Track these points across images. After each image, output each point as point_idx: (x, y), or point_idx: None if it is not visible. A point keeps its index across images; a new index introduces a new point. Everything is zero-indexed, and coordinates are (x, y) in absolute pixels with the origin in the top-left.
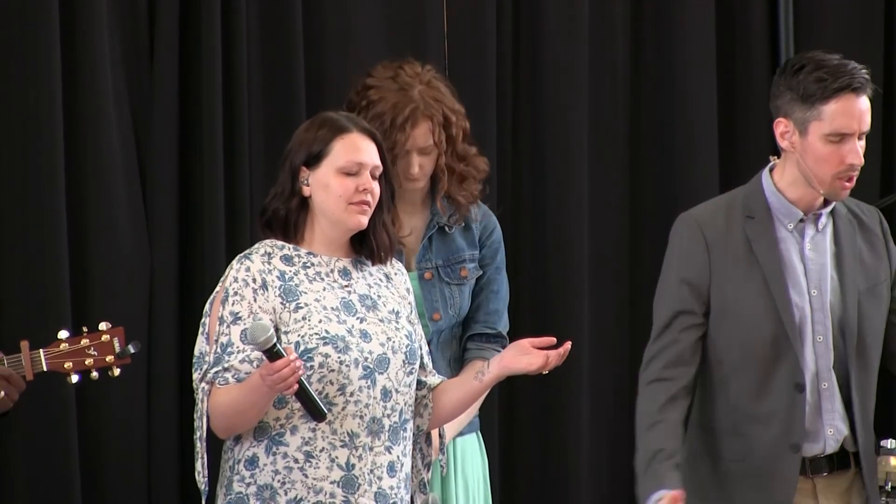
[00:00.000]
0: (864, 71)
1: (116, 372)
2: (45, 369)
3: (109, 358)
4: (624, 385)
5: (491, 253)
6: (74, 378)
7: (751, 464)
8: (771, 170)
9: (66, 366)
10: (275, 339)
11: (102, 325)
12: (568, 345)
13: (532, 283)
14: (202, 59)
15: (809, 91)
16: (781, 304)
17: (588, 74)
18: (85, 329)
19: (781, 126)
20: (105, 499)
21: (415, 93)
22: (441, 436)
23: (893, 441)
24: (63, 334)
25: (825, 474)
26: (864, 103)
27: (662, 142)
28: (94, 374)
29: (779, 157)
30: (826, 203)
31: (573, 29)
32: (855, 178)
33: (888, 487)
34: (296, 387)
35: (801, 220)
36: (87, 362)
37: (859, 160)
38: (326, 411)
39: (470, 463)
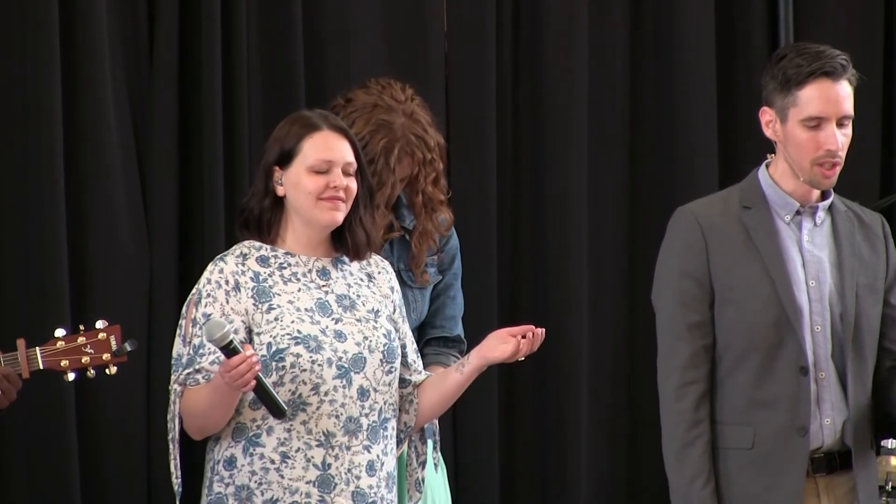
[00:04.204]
0: (841, 57)
1: (113, 370)
2: (41, 367)
3: (106, 356)
4: (624, 384)
5: (448, 259)
6: (71, 376)
7: (759, 451)
8: (767, 166)
9: (62, 364)
10: (231, 336)
11: (99, 323)
12: (541, 330)
13: (531, 283)
14: (202, 59)
15: (787, 77)
16: (782, 287)
17: (588, 75)
18: (82, 327)
19: (766, 115)
20: (105, 498)
21: (396, 125)
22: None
23: (894, 441)
24: (60, 332)
25: (825, 474)
26: (841, 89)
27: (662, 142)
28: (91, 372)
29: (775, 154)
30: (824, 197)
31: (573, 29)
32: (838, 167)
33: (888, 487)
34: (253, 383)
35: (798, 214)
36: (83, 360)
37: (836, 146)
38: (286, 409)
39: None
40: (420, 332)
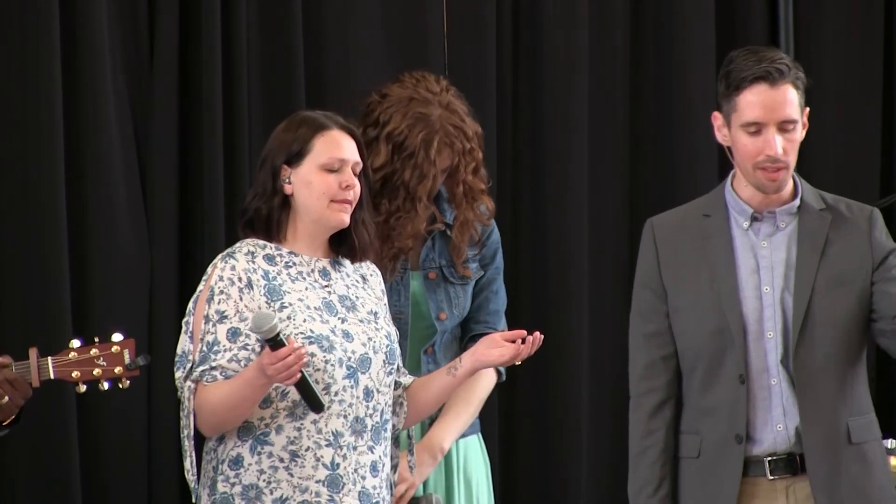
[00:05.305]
0: (782, 60)
1: (126, 384)
2: (52, 377)
3: (118, 369)
4: (623, 385)
5: (490, 253)
6: (83, 388)
7: (703, 460)
8: (734, 174)
9: (73, 374)
10: (279, 328)
11: (115, 337)
12: (538, 335)
13: (531, 285)
14: (202, 59)
15: (729, 82)
16: (725, 296)
17: (588, 75)
18: (96, 339)
19: (717, 120)
20: (105, 499)
21: (434, 117)
22: (411, 466)
23: (894, 441)
24: (75, 343)
25: (789, 476)
26: (780, 93)
27: (662, 142)
28: (105, 384)
29: None
30: (792, 200)
31: (573, 29)
32: (783, 170)
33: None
34: (298, 376)
35: (757, 220)
36: (95, 372)
37: (775, 152)
38: (325, 402)
39: (473, 464)
40: (463, 327)
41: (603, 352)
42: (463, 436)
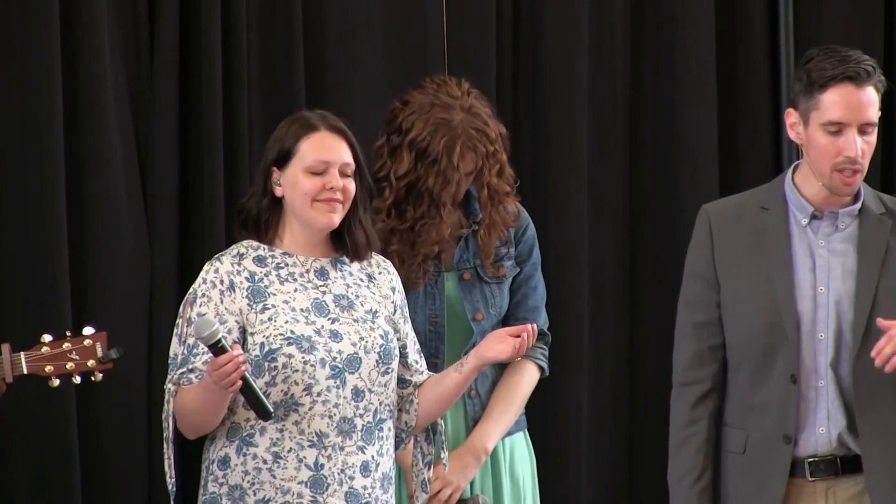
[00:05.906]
0: (867, 62)
1: (99, 377)
2: (25, 372)
3: (91, 362)
4: (624, 387)
5: (527, 249)
6: (56, 382)
7: (749, 456)
8: (795, 169)
9: (46, 369)
10: (220, 335)
11: (86, 330)
12: (529, 328)
13: None
14: (202, 59)
15: (811, 80)
16: (781, 292)
17: (588, 75)
18: (68, 333)
19: (791, 117)
20: (105, 499)
21: (456, 122)
22: (445, 464)
23: None
24: (46, 338)
25: (832, 477)
26: (864, 95)
27: (662, 141)
28: (77, 378)
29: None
30: (854, 202)
31: (573, 30)
32: (859, 174)
33: None
34: (240, 383)
35: (816, 218)
36: (67, 366)
37: (855, 153)
38: (272, 410)
39: (519, 462)
40: (504, 325)
41: (603, 352)
42: (509, 433)
